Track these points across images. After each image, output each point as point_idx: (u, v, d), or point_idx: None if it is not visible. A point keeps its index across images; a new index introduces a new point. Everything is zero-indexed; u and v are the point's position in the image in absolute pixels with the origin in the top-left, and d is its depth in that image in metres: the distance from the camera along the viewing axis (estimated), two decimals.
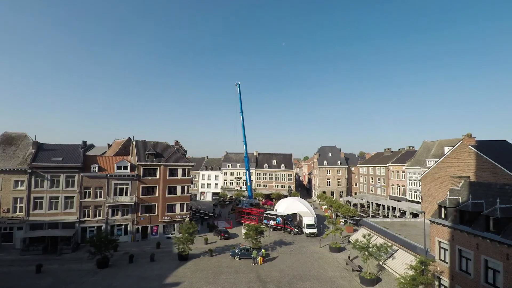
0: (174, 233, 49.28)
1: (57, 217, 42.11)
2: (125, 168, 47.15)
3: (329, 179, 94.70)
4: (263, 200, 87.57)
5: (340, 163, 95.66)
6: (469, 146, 34.72)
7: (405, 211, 59.29)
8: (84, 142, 54.90)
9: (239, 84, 75.68)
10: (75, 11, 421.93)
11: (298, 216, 58.38)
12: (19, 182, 40.92)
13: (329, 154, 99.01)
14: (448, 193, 26.29)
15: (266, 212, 59.31)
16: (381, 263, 33.38)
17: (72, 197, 43.26)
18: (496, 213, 19.57)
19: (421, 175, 45.36)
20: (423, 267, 25.26)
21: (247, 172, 78.99)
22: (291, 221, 54.38)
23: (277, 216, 56.19)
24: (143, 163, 48.38)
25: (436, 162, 41.26)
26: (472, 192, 24.14)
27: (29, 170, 40.93)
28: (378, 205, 74.97)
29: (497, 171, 30.57)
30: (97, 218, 44.61)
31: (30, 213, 40.93)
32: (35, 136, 45.30)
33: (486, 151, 33.32)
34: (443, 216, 24.87)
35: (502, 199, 20.71)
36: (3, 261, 35.12)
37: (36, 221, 41.05)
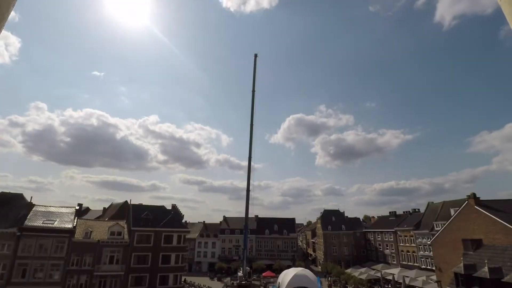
0: None
1: (39, 287, 38.36)
2: (119, 233, 44.91)
3: (335, 247, 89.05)
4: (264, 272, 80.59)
5: (345, 228, 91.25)
6: (476, 207, 33.69)
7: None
8: (80, 205, 53.60)
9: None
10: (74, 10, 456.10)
11: None
12: (6, 246, 38.36)
13: (333, 219, 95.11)
14: (462, 258, 24.49)
15: None
16: None
17: (59, 265, 40.02)
18: None
19: (430, 239, 42.91)
20: None
21: (245, 236, 70.24)
22: None
23: None
24: (137, 228, 46.26)
25: (444, 225, 39.52)
26: (487, 256, 22.48)
27: (18, 233, 38.90)
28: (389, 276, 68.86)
29: (510, 232, 28.94)
30: None
31: (10, 281, 37.36)
32: (31, 197, 44.66)
33: (494, 212, 32.13)
34: (460, 284, 22.68)
35: None
36: None
37: None
